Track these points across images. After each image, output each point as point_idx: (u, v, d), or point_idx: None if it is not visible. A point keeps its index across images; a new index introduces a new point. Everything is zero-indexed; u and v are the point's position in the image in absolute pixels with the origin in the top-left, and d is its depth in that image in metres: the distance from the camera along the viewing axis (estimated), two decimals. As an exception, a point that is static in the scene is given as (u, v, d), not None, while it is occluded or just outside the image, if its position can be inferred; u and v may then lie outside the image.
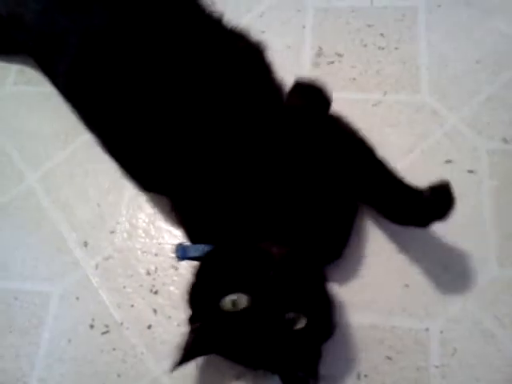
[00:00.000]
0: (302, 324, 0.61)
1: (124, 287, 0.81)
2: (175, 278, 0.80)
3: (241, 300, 0.61)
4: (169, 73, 0.73)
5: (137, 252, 0.83)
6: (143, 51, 0.75)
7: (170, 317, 0.78)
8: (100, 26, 0.77)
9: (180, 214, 0.78)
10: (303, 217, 0.70)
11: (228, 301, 0.61)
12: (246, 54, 0.79)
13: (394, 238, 0.78)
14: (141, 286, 0.81)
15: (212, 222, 0.72)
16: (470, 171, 0.81)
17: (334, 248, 0.74)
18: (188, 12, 0.80)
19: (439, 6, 0.95)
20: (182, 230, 0.79)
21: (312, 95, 0.75)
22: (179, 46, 0.75)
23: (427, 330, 0.73)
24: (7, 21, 0.89)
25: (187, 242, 0.76)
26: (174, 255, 0.75)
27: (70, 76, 0.80)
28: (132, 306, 0.80)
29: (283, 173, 0.70)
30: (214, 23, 0.81)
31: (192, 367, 0.73)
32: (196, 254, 0.71)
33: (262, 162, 0.70)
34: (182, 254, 0.73)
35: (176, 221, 0.82)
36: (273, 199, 0.69)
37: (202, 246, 0.71)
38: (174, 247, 0.75)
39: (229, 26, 0.82)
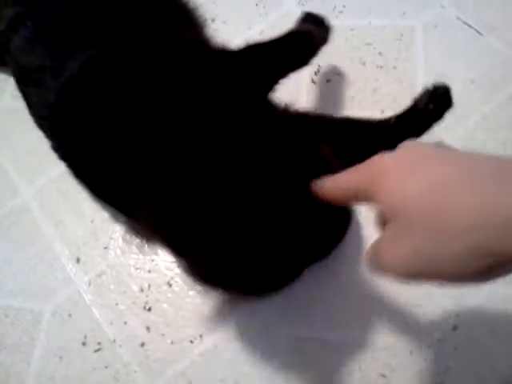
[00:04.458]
0: None
1: (117, 304, 0.80)
2: (169, 295, 0.80)
3: None
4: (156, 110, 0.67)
5: (130, 268, 0.83)
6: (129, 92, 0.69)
7: (163, 334, 0.77)
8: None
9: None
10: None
11: None
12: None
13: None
14: (134, 302, 0.80)
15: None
16: (466, 191, 0.81)
17: (324, 246, 0.70)
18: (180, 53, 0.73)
19: (436, 26, 0.96)
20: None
21: (319, 21, 0.81)
22: (166, 93, 0.68)
23: (420, 347, 0.71)
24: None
25: None
26: None
27: (52, 111, 0.74)
28: (125, 323, 0.79)
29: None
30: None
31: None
32: None
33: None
34: None
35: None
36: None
37: None
38: None
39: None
